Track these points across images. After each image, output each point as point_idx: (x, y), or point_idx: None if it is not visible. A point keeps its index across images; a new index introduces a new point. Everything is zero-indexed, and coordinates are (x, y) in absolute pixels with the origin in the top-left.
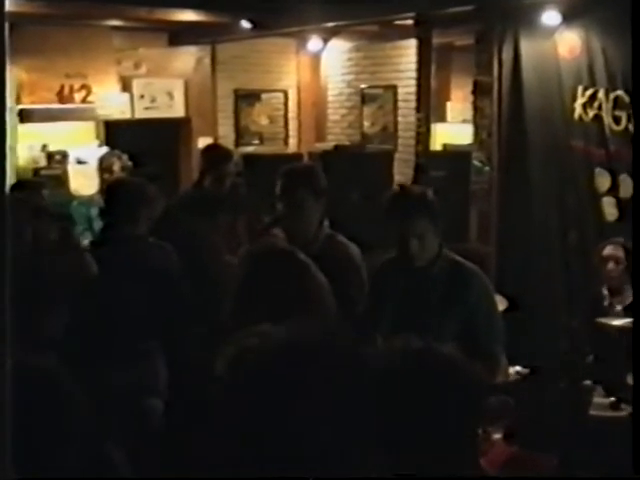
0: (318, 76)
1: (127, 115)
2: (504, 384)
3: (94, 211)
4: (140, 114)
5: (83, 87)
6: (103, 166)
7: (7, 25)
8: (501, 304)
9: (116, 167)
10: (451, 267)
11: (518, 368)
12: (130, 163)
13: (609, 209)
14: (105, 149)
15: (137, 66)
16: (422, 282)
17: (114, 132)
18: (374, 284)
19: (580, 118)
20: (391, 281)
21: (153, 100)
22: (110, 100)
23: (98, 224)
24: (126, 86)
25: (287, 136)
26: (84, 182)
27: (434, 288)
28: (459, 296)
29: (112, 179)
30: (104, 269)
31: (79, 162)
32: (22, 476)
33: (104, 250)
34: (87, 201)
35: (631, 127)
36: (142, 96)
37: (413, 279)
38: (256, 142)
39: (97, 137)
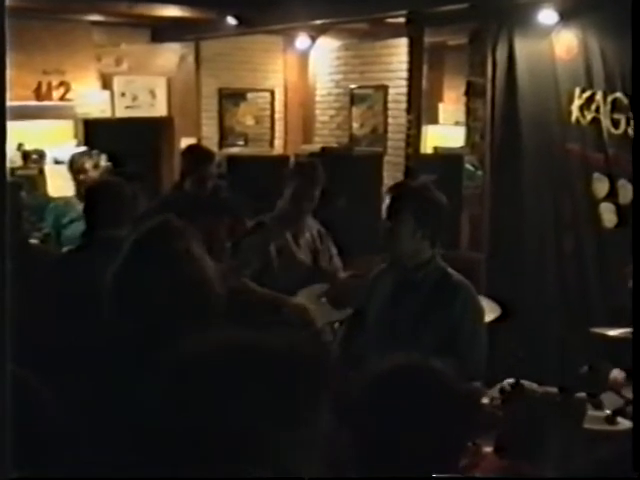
0: (306, 75)
1: (107, 114)
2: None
3: (69, 214)
4: (121, 113)
5: (61, 84)
6: (74, 168)
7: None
8: (494, 311)
9: (88, 165)
10: (439, 276)
11: (510, 380)
12: (103, 161)
13: (607, 215)
14: (82, 149)
15: (118, 63)
16: (406, 286)
17: (93, 131)
18: (364, 290)
19: (577, 121)
20: (379, 286)
21: (134, 98)
22: (90, 98)
23: (73, 228)
24: (106, 83)
25: (273, 137)
26: (62, 183)
27: (417, 294)
28: (443, 306)
29: (90, 180)
30: (88, 272)
31: (57, 162)
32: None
33: (87, 253)
34: (65, 203)
35: (630, 131)
36: (123, 94)
37: (397, 282)
38: (241, 143)
39: (75, 136)
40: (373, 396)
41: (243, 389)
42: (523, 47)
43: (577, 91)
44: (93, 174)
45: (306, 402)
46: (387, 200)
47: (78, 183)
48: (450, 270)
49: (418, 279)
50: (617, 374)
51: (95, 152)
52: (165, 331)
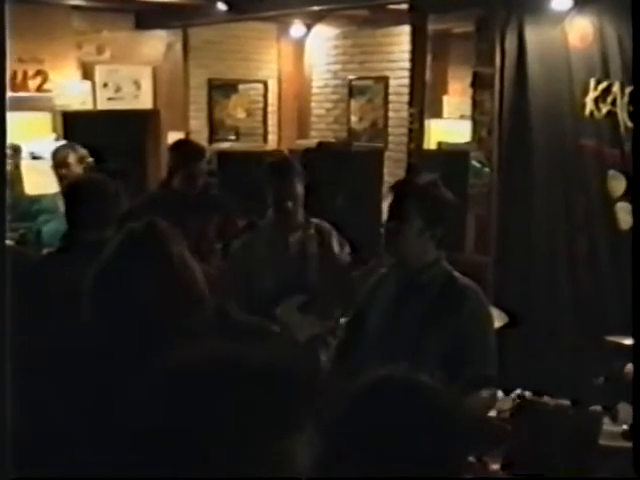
0: (301, 66)
1: (88, 106)
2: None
3: (50, 211)
4: (103, 105)
5: (38, 73)
6: (56, 161)
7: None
8: (501, 319)
9: (71, 159)
10: (445, 279)
11: (518, 391)
12: (88, 155)
13: (623, 216)
14: (62, 143)
15: (100, 51)
16: (409, 290)
17: (73, 124)
18: (364, 295)
19: (591, 114)
20: (380, 290)
21: (118, 89)
22: (69, 89)
23: (53, 227)
24: (87, 73)
25: (266, 132)
26: (39, 180)
27: (422, 298)
28: (449, 310)
29: (72, 176)
30: (69, 277)
31: (33, 157)
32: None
33: (69, 256)
34: (47, 200)
35: None
36: (105, 85)
37: (401, 286)
38: (232, 138)
39: (54, 130)
40: (353, 411)
41: (226, 403)
42: (534, 35)
43: (592, 82)
44: (77, 169)
45: (291, 418)
46: (391, 198)
47: (61, 179)
48: (456, 273)
49: (423, 282)
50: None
51: (71, 143)
52: (149, 336)
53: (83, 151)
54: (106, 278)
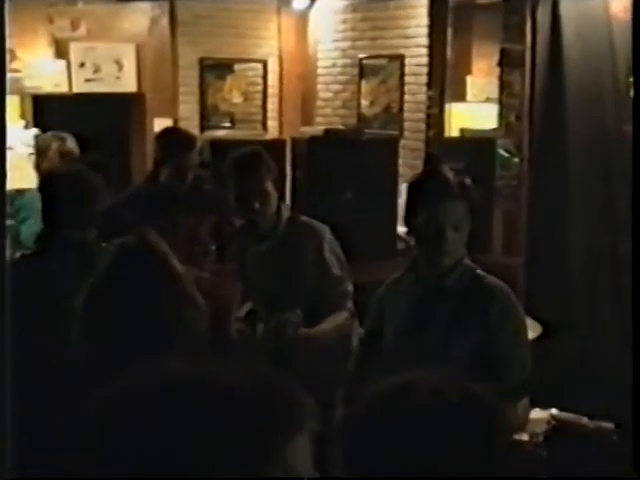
0: (305, 42)
1: (63, 88)
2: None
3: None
4: (79, 87)
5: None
6: (37, 148)
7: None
8: (534, 330)
9: (51, 152)
10: (470, 280)
11: (554, 411)
12: (76, 148)
13: None
14: (34, 131)
15: (75, 26)
16: (433, 294)
17: (45, 109)
18: (377, 304)
19: None
20: (397, 299)
21: (96, 70)
22: (40, 68)
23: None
24: (61, 51)
25: (265, 118)
26: (8, 173)
27: (446, 301)
28: (477, 313)
29: (48, 168)
30: (45, 282)
31: None
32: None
33: (45, 259)
34: (33, 196)
35: None
36: (82, 64)
37: (424, 292)
38: (227, 125)
39: (22, 116)
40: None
41: (177, 425)
42: (570, 5)
43: None
44: (54, 161)
45: (266, 439)
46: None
47: (39, 172)
48: (480, 271)
49: (447, 286)
50: None
51: (60, 134)
52: (140, 351)
53: (72, 144)
54: (100, 298)
